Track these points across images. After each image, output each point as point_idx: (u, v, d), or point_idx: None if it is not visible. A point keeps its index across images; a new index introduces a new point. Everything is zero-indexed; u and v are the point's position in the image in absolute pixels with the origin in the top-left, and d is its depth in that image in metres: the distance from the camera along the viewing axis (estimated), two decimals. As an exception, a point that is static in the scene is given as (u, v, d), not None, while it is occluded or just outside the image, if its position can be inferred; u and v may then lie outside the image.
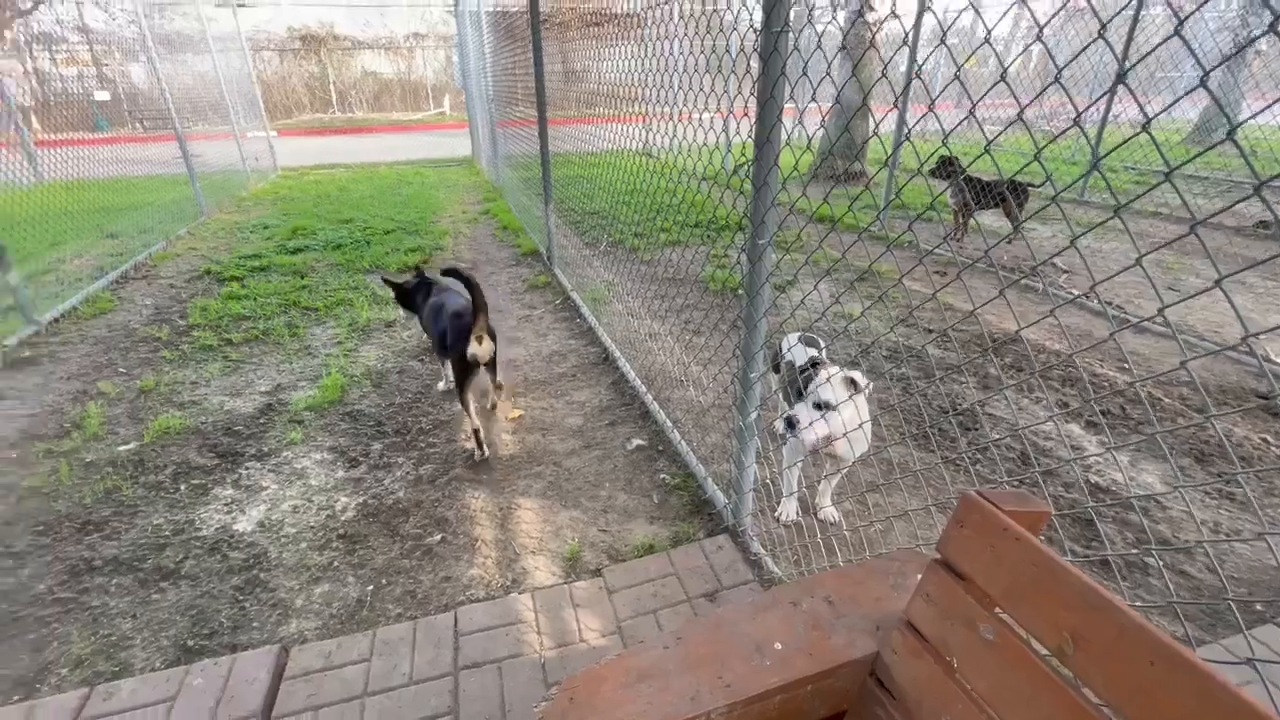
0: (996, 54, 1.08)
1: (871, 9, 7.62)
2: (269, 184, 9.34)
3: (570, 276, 4.64)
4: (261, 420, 2.93)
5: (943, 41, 1.21)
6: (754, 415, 1.85)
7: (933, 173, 5.14)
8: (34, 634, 1.83)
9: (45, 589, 1.99)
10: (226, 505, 2.37)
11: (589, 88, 4.82)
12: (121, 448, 2.72)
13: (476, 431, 2.56)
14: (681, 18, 2.37)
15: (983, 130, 1.15)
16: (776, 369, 2.41)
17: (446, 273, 2.62)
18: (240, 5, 10.35)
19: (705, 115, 2.20)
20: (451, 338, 2.51)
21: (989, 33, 1.11)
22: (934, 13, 4.08)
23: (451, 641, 1.73)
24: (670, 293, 4.44)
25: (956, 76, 1.21)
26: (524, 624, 1.78)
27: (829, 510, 2.18)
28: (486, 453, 2.60)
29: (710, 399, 2.99)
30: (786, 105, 1.51)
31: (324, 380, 3.23)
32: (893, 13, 1.31)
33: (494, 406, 2.99)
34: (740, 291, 4.25)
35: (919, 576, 0.94)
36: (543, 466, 2.57)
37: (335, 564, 2.08)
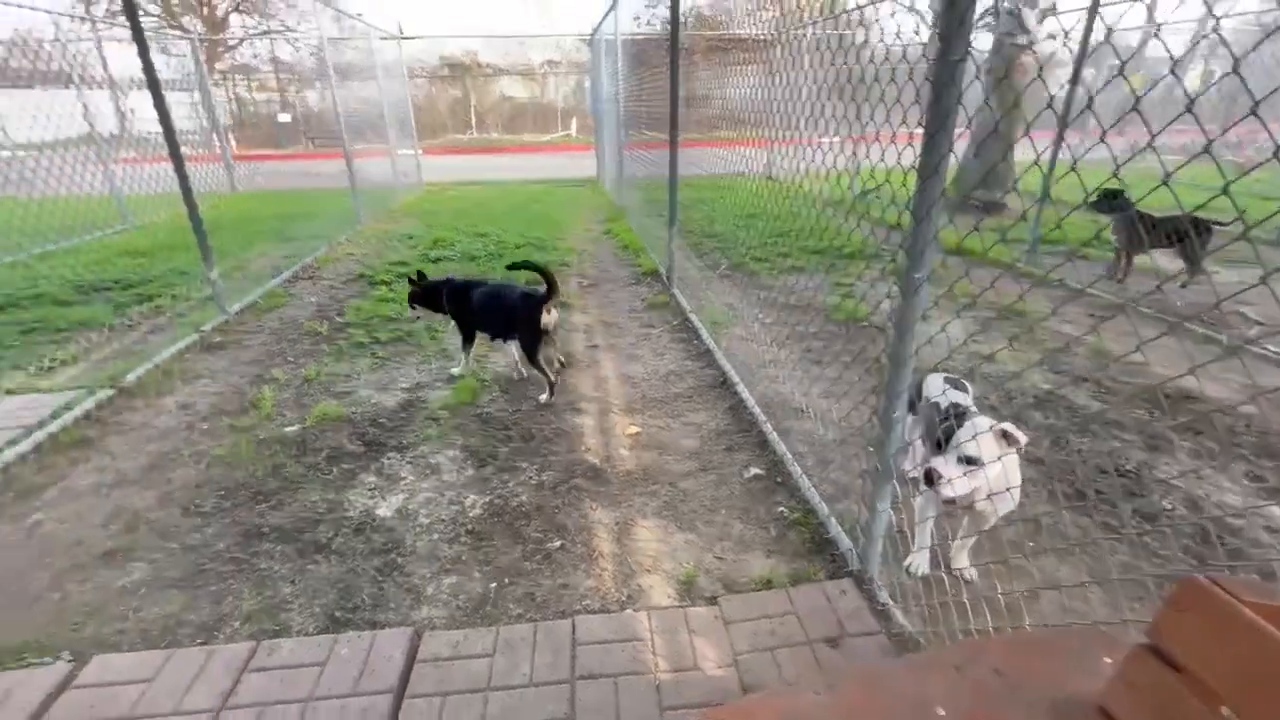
0: (1179, 78, 0.96)
1: (1025, 30, 7.13)
2: (415, 198, 10.24)
3: (689, 298, 4.68)
4: (403, 415, 3.18)
5: (1121, 71, 1.10)
6: (893, 457, 1.75)
7: (1094, 206, 4.68)
8: (215, 586, 2.08)
9: (224, 548, 2.27)
10: (370, 491, 2.59)
11: (710, 112, 4.87)
12: (288, 429, 3.06)
13: (552, 385, 3.26)
14: (813, 43, 2.33)
15: (1161, 160, 1.03)
16: (912, 408, 2.27)
17: (516, 266, 3.22)
18: (405, 39, 11.50)
19: (831, 140, 2.15)
20: (526, 312, 3.11)
21: (1175, 61, 0.99)
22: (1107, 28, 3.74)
23: (569, 649, 1.77)
24: (791, 319, 4.35)
25: (1136, 105, 1.10)
26: (640, 642, 1.78)
27: (967, 570, 2.01)
28: (554, 397, 3.28)
29: (833, 433, 2.88)
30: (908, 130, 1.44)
31: (458, 383, 3.45)
32: (1056, 34, 1.21)
33: (562, 365, 3.55)
34: (867, 323, 4.10)
35: (1108, 659, 0.84)
36: (659, 485, 2.58)
37: (463, 558, 2.20)
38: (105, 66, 9.16)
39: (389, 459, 2.81)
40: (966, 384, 2.14)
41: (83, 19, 10.13)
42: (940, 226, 1.80)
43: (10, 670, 1.75)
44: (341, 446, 2.90)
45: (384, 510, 2.46)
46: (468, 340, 3.50)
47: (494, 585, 2.07)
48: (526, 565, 2.16)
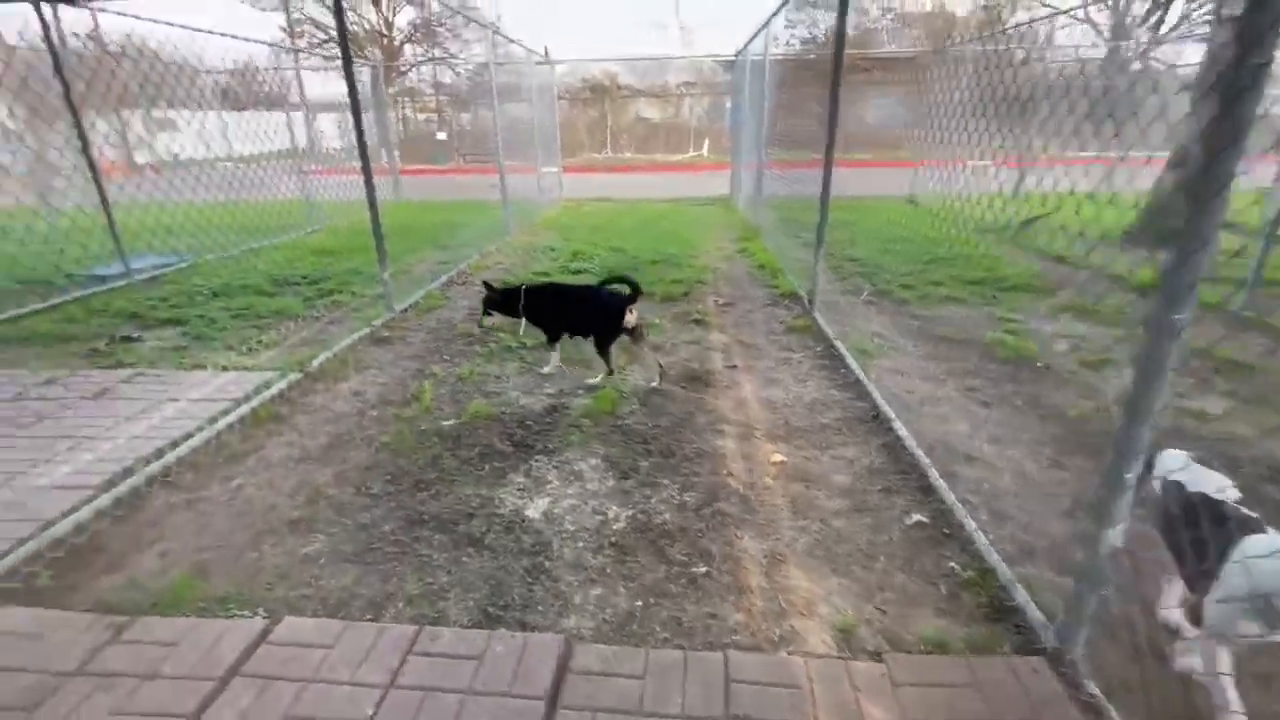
0: None
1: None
2: (555, 212, 10.75)
3: (832, 323, 4.46)
4: (548, 420, 3.28)
5: None
6: (1119, 528, 1.50)
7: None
8: (382, 565, 2.22)
9: (389, 530, 2.42)
10: (520, 491, 2.67)
11: (853, 131, 4.64)
12: (445, 423, 3.25)
13: (612, 372, 3.69)
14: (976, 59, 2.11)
15: None
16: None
17: (613, 280, 3.62)
18: (555, 62, 12.20)
19: (981, 162, 1.91)
20: (613, 311, 3.46)
21: None
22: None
23: (721, 685, 1.68)
24: (947, 353, 4.01)
25: None
26: (798, 690, 1.66)
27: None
28: (614, 373, 3.71)
29: (1007, 483, 2.58)
30: (1080, 152, 1.21)
31: (599, 392, 3.50)
32: None
33: (661, 369, 3.74)
34: (1042, 364, 3.67)
35: None
36: (808, 521, 2.43)
37: (608, 570, 2.19)
38: (301, 91, 10.59)
39: (536, 461, 2.89)
40: (1215, 466, 1.73)
41: (288, 51, 11.76)
42: (1136, 260, 1.54)
43: (220, 618, 1.96)
44: (492, 445, 3.03)
45: (532, 512, 2.52)
46: (552, 339, 3.81)
47: (639, 604, 2.04)
48: (671, 588, 2.11)
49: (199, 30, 6.98)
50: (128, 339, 4.54)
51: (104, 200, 5.97)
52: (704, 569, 2.19)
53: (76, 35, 7.12)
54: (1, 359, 4.17)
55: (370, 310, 5.05)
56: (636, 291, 3.46)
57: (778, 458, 2.87)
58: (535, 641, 1.84)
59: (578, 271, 6.28)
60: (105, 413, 3.31)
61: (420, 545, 2.33)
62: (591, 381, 3.69)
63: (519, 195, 9.57)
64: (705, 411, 3.34)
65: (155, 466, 2.72)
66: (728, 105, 13.24)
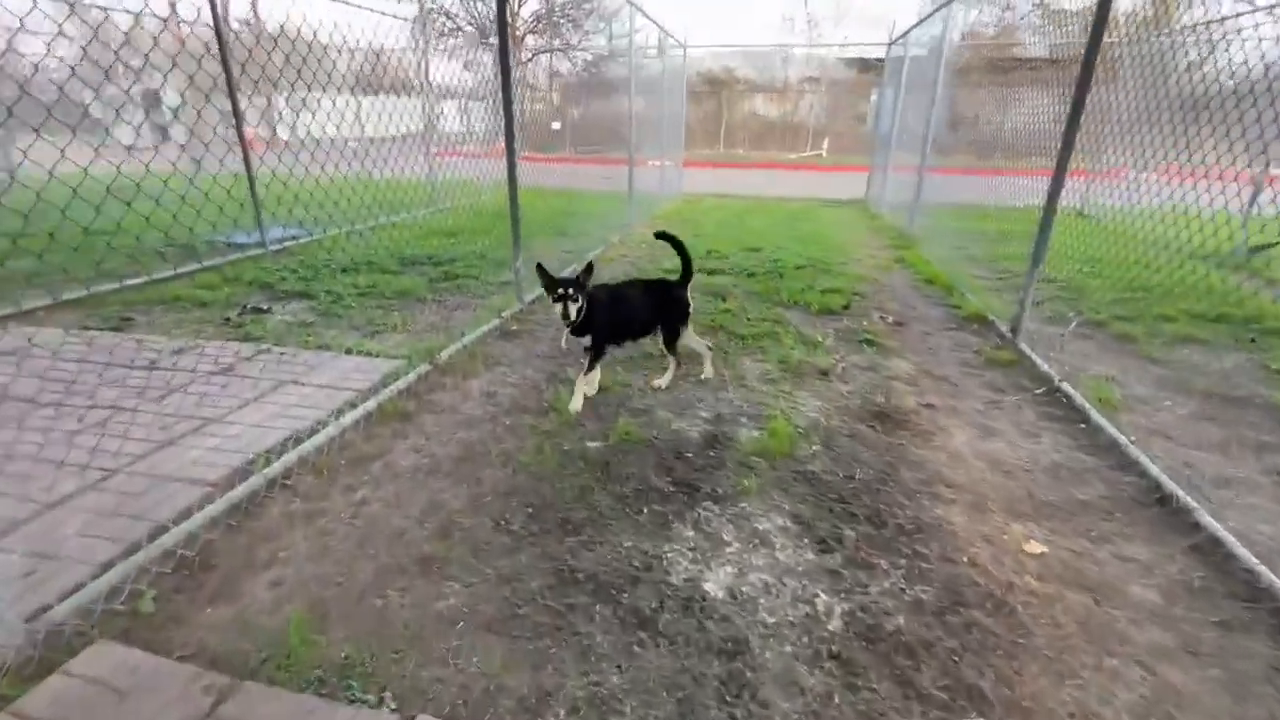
0: None
1: None
2: (674, 206, 10.20)
3: (1048, 359, 3.59)
4: (710, 454, 2.69)
5: None
6: None
7: None
8: (532, 643, 1.72)
9: (537, 588, 1.92)
10: (691, 551, 2.10)
11: (991, 135, 3.74)
12: (590, 444, 2.74)
13: (680, 365, 3.40)
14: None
15: None
16: None
17: (661, 235, 3.41)
18: (689, 46, 11.62)
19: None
20: (676, 293, 3.26)
21: None
22: None
23: None
24: (1221, 413, 3.07)
25: None
26: None
27: None
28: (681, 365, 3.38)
29: None
30: None
31: (769, 425, 2.88)
32: None
33: (709, 349, 3.50)
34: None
35: None
36: (1119, 661, 1.70)
37: (835, 699, 1.57)
38: (427, 75, 10.75)
39: (705, 510, 2.31)
40: None
41: (420, 35, 11.95)
42: None
43: (340, 703, 1.51)
44: (648, 480, 2.49)
45: (712, 586, 1.94)
46: (599, 354, 3.08)
47: (897, 770, 1.40)
48: (938, 747, 1.46)
49: (349, 4, 6.96)
50: (258, 310, 4.40)
51: (249, 171, 6.04)
52: (979, 721, 1.52)
53: (237, 20, 7.40)
54: (144, 323, 4.11)
55: (497, 299, 4.68)
56: (689, 268, 3.29)
57: (1035, 548, 2.13)
58: (767, 827, 1.25)
59: (712, 271, 5.67)
60: (229, 392, 3.05)
61: (577, 618, 1.81)
62: (659, 383, 3.34)
63: (639, 187, 9.11)
64: (910, 464, 2.64)
65: (276, 467, 2.37)
66: (873, 99, 12.16)
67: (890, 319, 4.50)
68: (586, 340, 3.03)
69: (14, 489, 2.00)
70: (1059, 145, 3.51)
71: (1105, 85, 4.21)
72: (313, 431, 2.65)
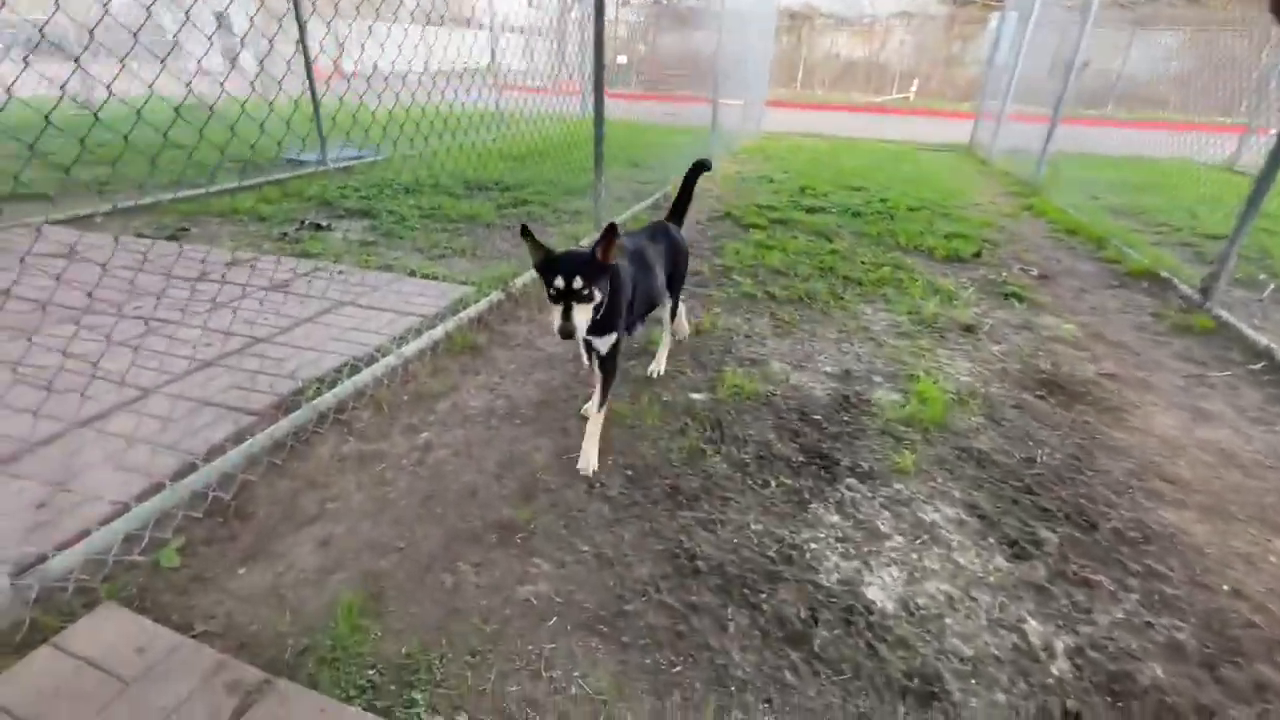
0: None
1: None
2: (754, 143, 9.36)
3: (1260, 330, 2.87)
4: (844, 418, 2.17)
5: None
6: None
7: None
8: (648, 654, 1.28)
9: (647, 576, 1.48)
10: (840, 543, 1.61)
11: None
12: (695, 395, 2.26)
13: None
14: None
15: None
16: None
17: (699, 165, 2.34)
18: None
19: None
20: (683, 247, 2.26)
21: None
22: None
23: None
24: None
25: None
26: None
27: None
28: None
29: None
30: None
31: (914, 388, 2.33)
32: None
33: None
34: None
35: None
36: None
37: (1091, 787, 1.09)
38: (493, 13, 10.54)
39: (849, 490, 1.81)
40: None
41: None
42: None
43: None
44: (770, 445, 2.00)
45: (878, 594, 1.46)
46: (616, 367, 1.89)
47: None
48: None
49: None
50: (317, 226, 4.05)
51: (314, 95, 5.70)
52: None
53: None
54: (199, 235, 3.81)
55: (570, 227, 4.19)
56: (683, 209, 2.31)
57: (1327, 579, 1.55)
58: None
59: (811, 209, 4.99)
60: (282, 311, 2.70)
61: (704, 623, 1.36)
62: (655, 369, 2.38)
63: (720, 123, 8.32)
64: (1107, 450, 2.05)
65: (328, 398, 1.98)
66: (990, 25, 10.78)
67: (1034, 271, 3.78)
68: (603, 343, 1.79)
69: (40, 404, 1.70)
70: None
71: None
72: (371, 360, 2.26)
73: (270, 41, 2.59)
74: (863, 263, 3.74)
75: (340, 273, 3.16)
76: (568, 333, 1.52)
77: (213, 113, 1.94)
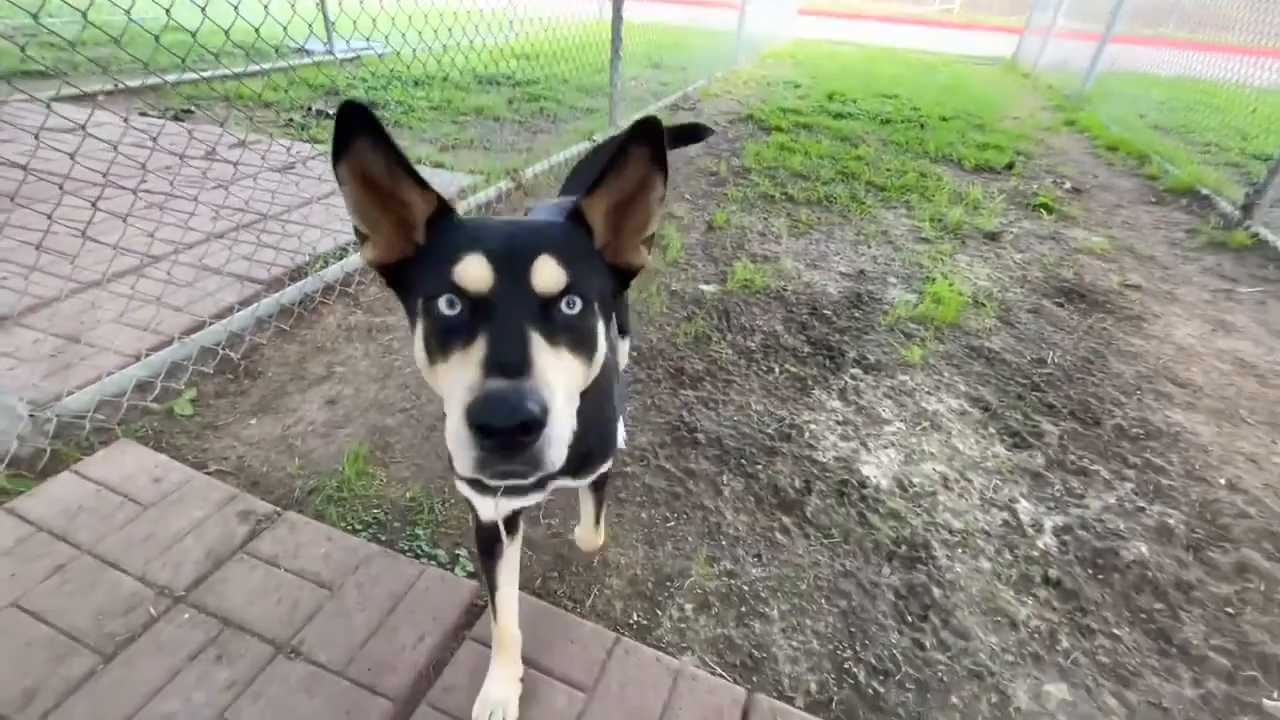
0: None
1: None
2: (785, 48, 8.81)
3: (1296, 246, 2.75)
4: (854, 314, 2.14)
5: None
6: None
7: None
8: (648, 512, 1.33)
9: (650, 446, 1.51)
10: (840, 425, 1.62)
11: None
12: (704, 286, 2.23)
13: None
14: None
15: None
16: None
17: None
18: None
19: None
20: None
21: None
22: None
23: None
24: None
25: None
26: None
27: None
28: None
29: None
30: None
31: (928, 288, 2.28)
32: None
33: None
34: None
35: None
36: None
37: (1056, 636, 1.13)
38: None
39: (853, 378, 1.81)
40: None
41: None
42: None
43: (402, 556, 1.16)
44: (777, 335, 1.98)
45: (872, 470, 1.48)
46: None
47: (1170, 754, 0.97)
48: (1203, 717, 1.01)
49: None
50: (322, 114, 3.92)
51: None
52: (1276, 696, 1.06)
53: None
54: (204, 117, 3.70)
55: (584, 123, 4.02)
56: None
57: (1329, 480, 1.55)
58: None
59: (839, 115, 4.74)
60: (287, 190, 2.65)
61: (701, 488, 1.40)
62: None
63: (746, 26, 7.78)
64: (1120, 354, 2.02)
65: (334, 270, 1.97)
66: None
67: (1068, 184, 3.61)
68: (583, 480, 0.89)
69: (51, 267, 1.70)
70: None
71: None
72: (378, 238, 2.22)
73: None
74: (888, 170, 3.58)
75: (347, 157, 3.08)
76: (487, 429, 0.49)
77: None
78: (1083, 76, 5.86)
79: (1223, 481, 1.52)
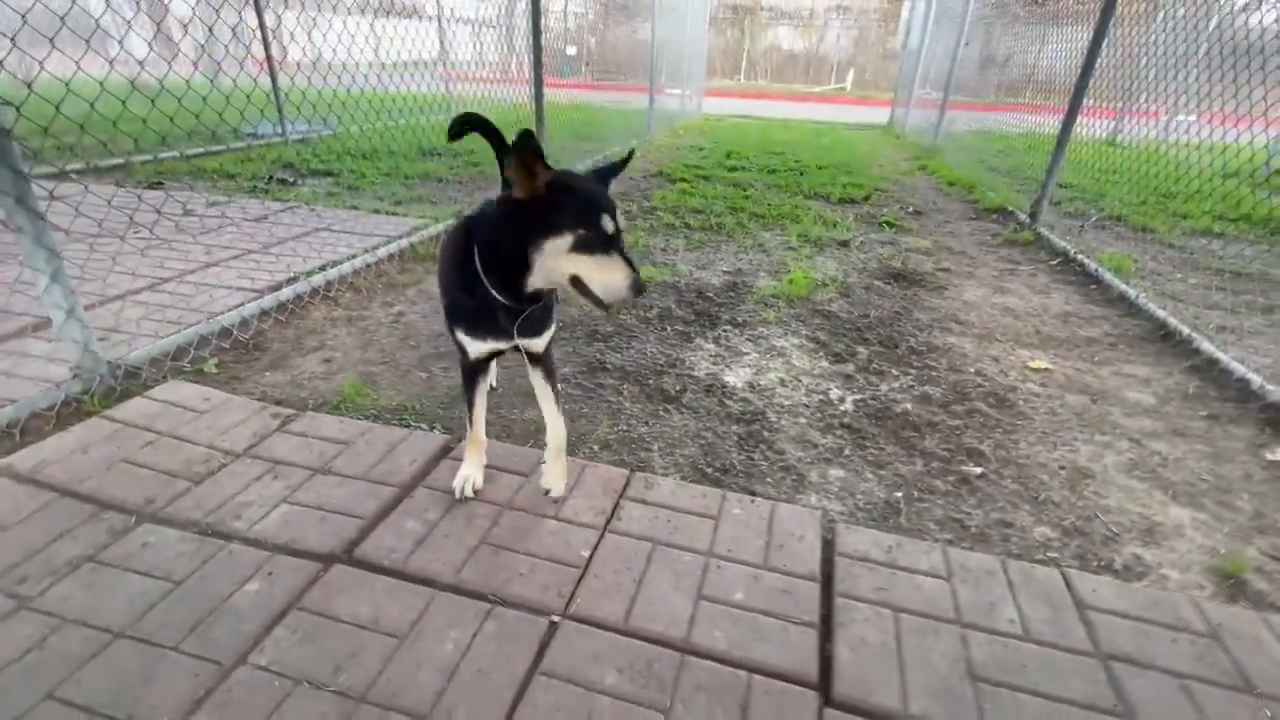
0: None
1: None
2: (694, 122, 10.01)
3: (1067, 239, 3.63)
4: (730, 294, 2.79)
5: None
6: None
7: None
8: (568, 406, 1.86)
9: (570, 373, 2.06)
10: (712, 357, 2.22)
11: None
12: (615, 282, 2.84)
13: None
14: None
15: None
16: None
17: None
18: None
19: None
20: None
21: None
22: None
23: (1071, 608, 1.17)
24: (1236, 286, 3.12)
25: None
26: (1196, 637, 1.12)
27: None
28: None
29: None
30: None
31: (788, 275, 2.97)
32: None
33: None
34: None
35: None
36: (1108, 437, 1.83)
37: (846, 452, 1.72)
38: (440, 5, 10.76)
39: (725, 331, 2.43)
40: None
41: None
42: None
43: (395, 426, 1.66)
44: (670, 310, 2.60)
45: (733, 379, 2.08)
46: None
47: (899, 495, 1.55)
48: (937, 484, 1.60)
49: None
50: (284, 181, 4.47)
51: (273, 72, 6.02)
52: (976, 469, 1.66)
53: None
54: (175, 188, 4.18)
55: (518, 180, 4.70)
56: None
57: (1039, 364, 2.25)
58: (786, 512, 1.40)
59: (733, 169, 5.65)
60: (266, 233, 3.16)
61: (606, 391, 1.95)
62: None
63: (659, 104, 8.93)
64: (923, 309, 2.73)
65: (317, 279, 2.49)
66: (903, 15, 11.66)
67: (911, 209, 4.51)
68: (543, 340, 1.35)
69: (82, 288, 2.14)
70: (1076, 77, 3.46)
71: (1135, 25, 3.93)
72: (350, 259, 2.76)
73: (231, 30, 3.03)
74: (769, 204, 4.40)
75: (313, 210, 3.63)
76: (643, 287, 1.07)
77: (190, 89, 2.22)
78: (933, 134, 7.09)
79: (972, 371, 2.19)
